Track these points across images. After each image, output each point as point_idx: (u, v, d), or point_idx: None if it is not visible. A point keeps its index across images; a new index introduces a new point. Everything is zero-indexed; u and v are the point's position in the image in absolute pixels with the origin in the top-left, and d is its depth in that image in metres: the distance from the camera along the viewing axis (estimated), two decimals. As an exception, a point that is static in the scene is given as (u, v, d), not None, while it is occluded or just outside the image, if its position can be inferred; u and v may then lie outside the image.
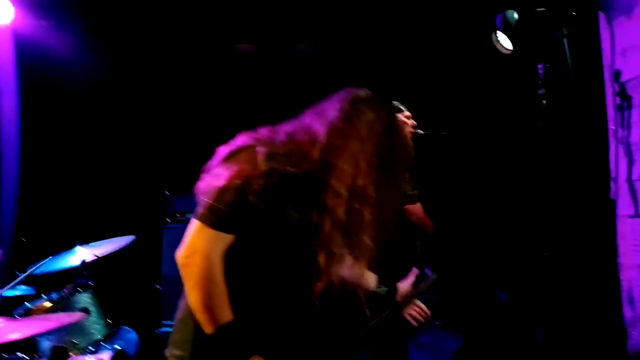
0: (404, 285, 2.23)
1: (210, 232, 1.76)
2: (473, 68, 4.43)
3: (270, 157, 1.79)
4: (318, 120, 1.89)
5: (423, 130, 3.50)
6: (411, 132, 3.41)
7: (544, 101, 2.85)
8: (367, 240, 1.87)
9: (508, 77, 4.09)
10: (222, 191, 1.77)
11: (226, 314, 1.75)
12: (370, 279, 2.19)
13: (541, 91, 2.88)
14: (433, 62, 4.63)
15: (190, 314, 1.81)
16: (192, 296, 1.76)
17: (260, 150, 1.80)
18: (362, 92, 1.95)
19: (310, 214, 1.84)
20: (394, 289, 2.22)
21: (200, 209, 1.80)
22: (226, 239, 1.78)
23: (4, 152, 4.28)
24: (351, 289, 1.95)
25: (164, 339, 4.61)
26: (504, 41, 3.30)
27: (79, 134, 4.80)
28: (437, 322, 3.83)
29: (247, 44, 4.88)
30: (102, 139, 4.83)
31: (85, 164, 4.82)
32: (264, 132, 1.91)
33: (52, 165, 4.74)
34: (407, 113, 3.46)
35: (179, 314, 1.92)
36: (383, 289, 2.20)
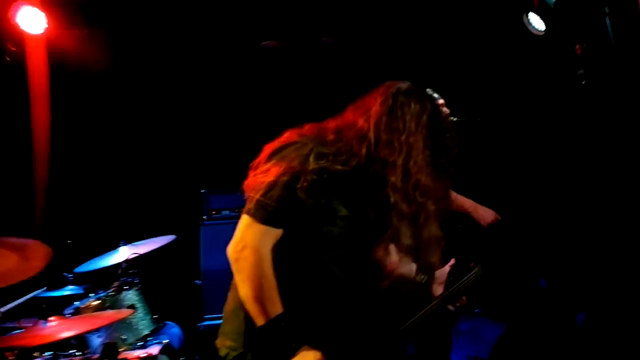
0: (441, 274, 2.23)
1: (259, 227, 1.80)
2: (505, 51, 4.35)
3: (319, 156, 1.82)
4: (362, 116, 1.90)
5: (457, 117, 3.47)
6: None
7: (584, 81, 2.79)
8: (434, 230, 1.91)
9: (542, 59, 4.02)
10: (270, 187, 1.81)
11: (277, 307, 1.78)
12: (412, 268, 2.20)
13: (580, 71, 2.83)
14: (464, 47, 4.56)
15: (240, 305, 1.86)
16: (244, 289, 1.80)
17: (309, 148, 1.84)
18: (403, 85, 1.95)
19: (367, 209, 1.87)
20: (432, 278, 2.21)
21: (249, 205, 1.84)
22: (275, 233, 1.82)
23: (36, 156, 4.36)
24: (400, 280, 1.99)
25: (206, 332, 4.74)
26: (536, 22, 3.25)
27: (118, 140, 4.91)
28: (477, 310, 3.80)
29: (273, 40, 4.90)
30: (139, 143, 4.94)
31: (125, 168, 4.94)
32: (309, 129, 1.93)
33: (95, 170, 4.86)
34: (441, 100, 3.44)
35: (229, 306, 1.97)
36: (422, 277, 2.19)
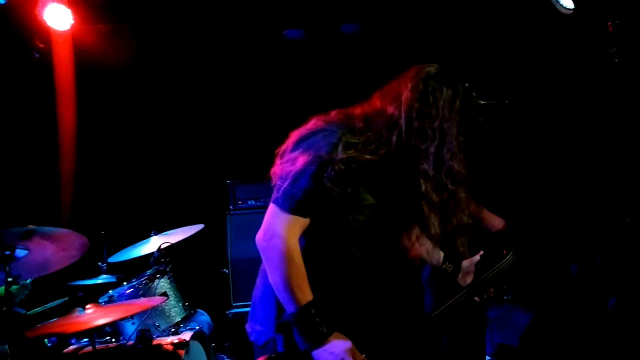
0: (469, 264, 2.20)
1: (287, 216, 1.81)
2: (534, 31, 4.23)
3: (347, 145, 1.80)
4: (391, 103, 1.85)
5: (484, 101, 3.44)
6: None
7: (616, 59, 2.73)
8: (464, 218, 1.88)
9: (571, 38, 3.90)
10: (298, 176, 1.80)
11: (306, 294, 1.80)
12: (439, 256, 2.19)
13: (613, 49, 2.76)
14: (492, 28, 4.47)
15: (269, 291, 1.88)
16: (273, 277, 1.82)
17: (337, 136, 1.81)
18: (432, 68, 1.89)
19: (395, 198, 1.85)
20: (459, 267, 2.19)
21: (276, 194, 1.84)
22: (302, 222, 1.83)
23: (62, 150, 4.44)
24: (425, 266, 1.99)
25: (235, 319, 4.79)
26: (565, 1, 3.18)
27: (146, 134, 4.98)
28: (507, 297, 3.77)
29: (296, 29, 4.91)
30: (167, 136, 5.01)
31: (154, 161, 5.02)
32: (335, 115, 1.90)
33: (126, 164, 4.95)
34: (466, 84, 3.42)
35: (258, 292, 1.99)
36: (449, 265, 2.19)
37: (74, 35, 4.49)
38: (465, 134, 1.85)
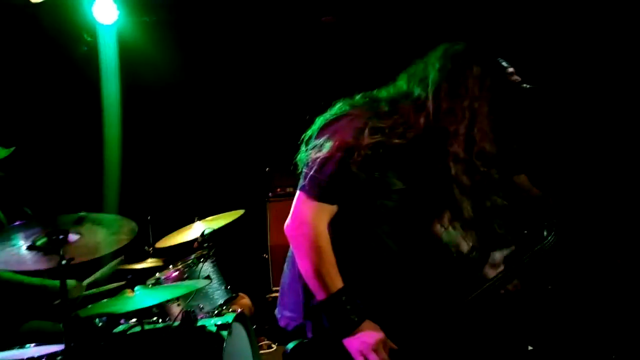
0: (498, 255, 2.04)
1: (314, 204, 1.80)
2: (581, 13, 4.09)
3: (374, 130, 1.75)
4: (418, 84, 1.78)
5: (528, 84, 3.38)
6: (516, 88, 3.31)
7: None
8: (499, 200, 1.82)
9: (616, 19, 3.77)
10: (324, 162, 1.78)
11: (336, 281, 1.78)
12: (468, 243, 2.08)
13: None
14: (537, 9, 4.34)
15: (297, 278, 1.89)
16: (303, 265, 1.81)
17: (363, 121, 1.76)
18: (459, 46, 1.81)
19: (424, 182, 1.79)
20: (486, 256, 2.03)
21: (303, 181, 1.83)
22: (330, 209, 1.81)
23: (105, 145, 4.59)
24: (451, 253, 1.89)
25: (274, 303, 4.89)
26: None
27: (189, 125, 5.11)
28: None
29: (331, 15, 4.92)
30: (209, 126, 5.13)
31: (197, 151, 5.16)
32: (361, 99, 1.86)
33: (171, 154, 5.12)
34: (511, 69, 3.37)
35: (286, 279, 1.99)
36: (474, 253, 2.05)
37: (119, 28, 4.63)
38: (498, 112, 1.76)
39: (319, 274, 1.78)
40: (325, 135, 1.81)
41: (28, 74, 4.48)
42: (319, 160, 1.79)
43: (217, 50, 5.00)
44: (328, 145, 1.78)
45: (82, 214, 2.39)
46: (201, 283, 3.17)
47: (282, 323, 1.99)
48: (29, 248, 2.42)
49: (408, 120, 1.79)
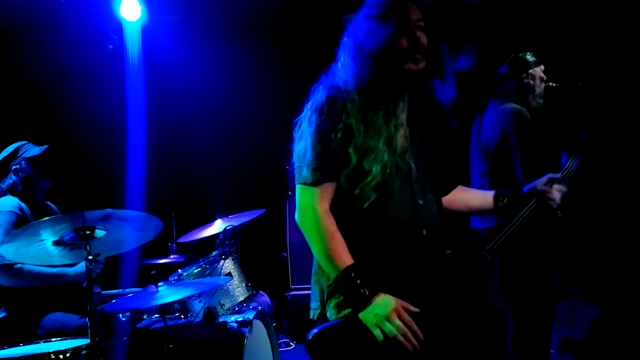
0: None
1: (310, 189, 1.88)
2: (609, 11, 4.10)
3: (345, 106, 1.88)
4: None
5: (555, 83, 3.37)
6: (545, 86, 3.31)
7: None
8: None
9: None
10: (307, 149, 1.90)
11: (344, 259, 1.83)
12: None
13: None
14: (565, 8, 4.36)
15: (317, 269, 1.96)
16: (314, 248, 1.89)
17: (334, 100, 1.90)
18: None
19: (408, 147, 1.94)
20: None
21: (297, 174, 1.93)
22: (327, 189, 1.89)
23: (130, 143, 4.64)
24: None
25: (293, 301, 4.91)
26: None
27: (211, 125, 5.16)
28: (574, 289, 3.67)
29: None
30: (229, 126, 5.18)
31: (219, 150, 5.21)
32: (328, 79, 1.99)
33: (194, 154, 5.17)
34: (541, 66, 3.37)
35: (313, 270, 2.04)
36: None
37: (144, 27, 4.69)
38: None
39: (327, 254, 1.85)
40: (304, 124, 1.96)
41: (54, 72, 4.56)
42: (303, 149, 1.92)
43: (239, 50, 5.04)
44: (307, 132, 1.92)
45: (109, 210, 2.44)
46: (222, 280, 3.20)
47: (310, 315, 2.04)
48: (56, 243, 2.49)
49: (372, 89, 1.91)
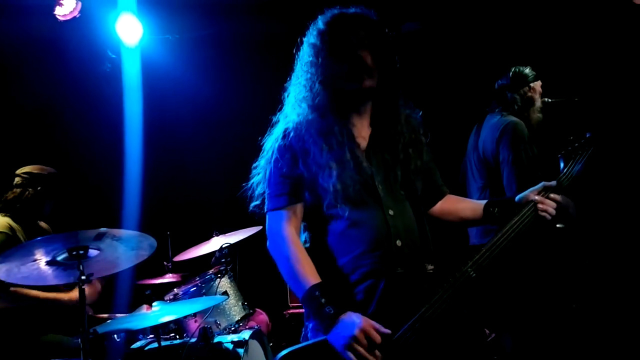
0: None
1: (272, 215, 1.92)
2: (606, 26, 4.08)
3: (287, 133, 1.95)
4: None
5: (552, 99, 3.38)
6: (542, 101, 3.32)
7: None
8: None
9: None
10: (267, 178, 1.97)
11: (308, 279, 1.81)
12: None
13: None
14: (562, 23, 4.33)
15: None
16: (282, 272, 1.89)
17: (287, 129, 1.97)
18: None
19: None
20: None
21: (264, 205, 1.97)
22: (288, 213, 1.91)
23: (127, 157, 4.62)
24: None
25: (291, 320, 4.83)
26: None
27: (206, 143, 5.15)
28: None
29: (413, 22, 4.87)
30: (225, 143, 5.16)
31: (214, 168, 5.19)
32: (282, 108, 2.09)
33: (189, 170, 5.16)
34: (538, 82, 3.38)
35: None
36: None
37: (142, 45, 4.69)
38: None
39: (292, 276, 1.84)
40: (261, 156, 2.05)
41: (52, 91, 4.55)
42: (264, 179, 1.99)
43: (236, 68, 5.04)
44: (265, 163, 2.00)
45: (102, 229, 2.42)
46: (218, 299, 3.17)
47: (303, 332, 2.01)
48: (49, 263, 2.46)
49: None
